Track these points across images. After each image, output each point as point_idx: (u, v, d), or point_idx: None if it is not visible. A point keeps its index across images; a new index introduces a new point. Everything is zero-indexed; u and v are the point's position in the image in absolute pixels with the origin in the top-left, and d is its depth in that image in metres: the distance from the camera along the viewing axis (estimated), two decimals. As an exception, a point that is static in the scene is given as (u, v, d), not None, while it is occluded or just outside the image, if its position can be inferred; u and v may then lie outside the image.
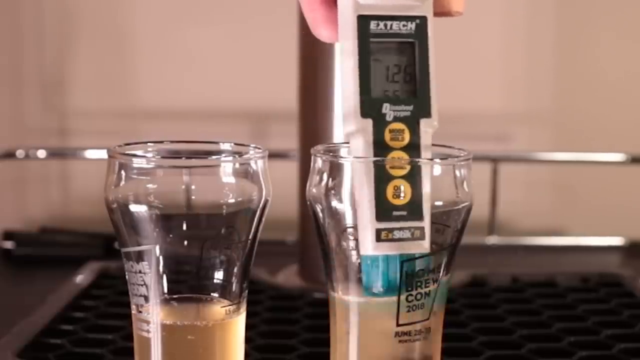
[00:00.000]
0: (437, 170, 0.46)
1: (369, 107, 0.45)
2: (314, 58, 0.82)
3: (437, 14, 0.46)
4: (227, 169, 0.48)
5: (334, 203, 0.47)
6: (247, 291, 0.51)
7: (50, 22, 1.15)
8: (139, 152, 0.50)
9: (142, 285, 0.49)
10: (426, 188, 0.45)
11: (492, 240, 1.09)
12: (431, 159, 0.46)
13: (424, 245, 0.45)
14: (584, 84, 1.16)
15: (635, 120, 1.16)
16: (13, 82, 1.16)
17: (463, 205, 0.47)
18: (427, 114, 0.46)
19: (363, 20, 0.45)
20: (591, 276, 0.87)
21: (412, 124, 0.45)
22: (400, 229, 0.45)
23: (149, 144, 0.51)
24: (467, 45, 1.13)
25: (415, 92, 0.45)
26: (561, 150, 1.14)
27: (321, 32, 0.46)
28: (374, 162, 0.44)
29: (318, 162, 0.48)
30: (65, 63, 1.15)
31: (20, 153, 1.09)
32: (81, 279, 0.84)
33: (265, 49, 1.13)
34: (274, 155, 0.61)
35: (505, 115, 1.16)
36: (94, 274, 0.85)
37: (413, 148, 0.45)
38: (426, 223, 0.45)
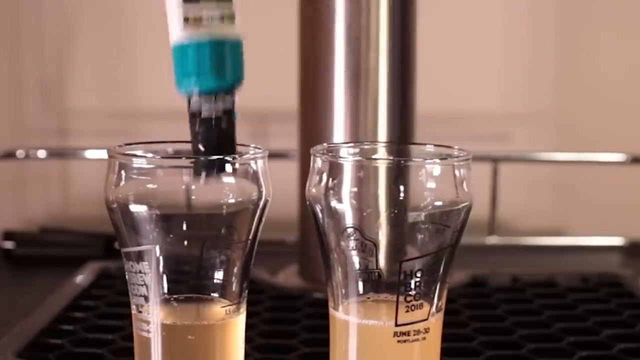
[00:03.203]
0: (437, 170, 0.46)
1: None
2: (314, 58, 0.82)
3: None
4: (227, 169, 0.48)
5: (334, 203, 0.47)
6: (247, 291, 0.51)
7: (50, 22, 1.15)
8: (139, 152, 0.50)
9: (142, 285, 0.49)
10: None
11: (492, 240, 1.09)
12: (431, 160, 0.46)
13: (235, 30, 0.44)
14: (584, 84, 1.16)
15: (635, 120, 1.16)
16: (13, 82, 1.16)
17: (463, 205, 0.47)
18: None
19: None
20: (591, 276, 0.87)
21: None
22: (209, 9, 0.43)
23: (149, 144, 0.51)
24: (467, 45, 1.13)
25: None
26: (561, 150, 1.14)
27: None
28: None
29: (318, 162, 0.48)
30: (65, 63, 1.15)
31: (20, 153, 1.09)
32: (81, 279, 0.84)
33: (265, 49, 1.12)
34: (274, 155, 0.61)
35: (505, 115, 1.16)
36: (94, 274, 0.85)
37: None
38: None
